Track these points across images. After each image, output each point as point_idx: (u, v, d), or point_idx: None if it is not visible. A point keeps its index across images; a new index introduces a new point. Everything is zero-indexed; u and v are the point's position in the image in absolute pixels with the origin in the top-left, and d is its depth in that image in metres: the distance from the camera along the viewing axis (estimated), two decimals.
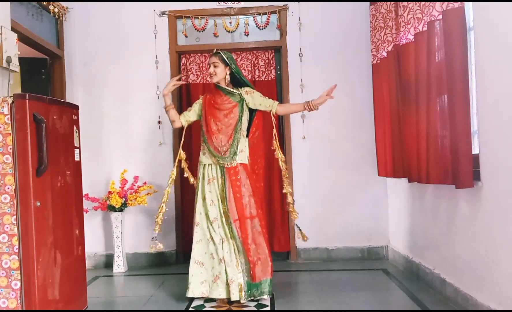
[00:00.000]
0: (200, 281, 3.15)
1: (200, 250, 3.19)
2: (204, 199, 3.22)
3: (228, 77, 3.29)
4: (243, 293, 3.07)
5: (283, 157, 3.29)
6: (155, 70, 4.38)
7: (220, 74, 3.26)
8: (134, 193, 4.15)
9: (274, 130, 3.29)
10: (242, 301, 3.10)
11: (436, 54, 2.82)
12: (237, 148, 3.19)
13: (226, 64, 3.25)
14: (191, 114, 3.39)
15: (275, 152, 3.27)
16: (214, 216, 3.18)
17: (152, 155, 4.38)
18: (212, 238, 3.16)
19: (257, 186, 3.41)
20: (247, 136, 3.32)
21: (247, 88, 3.30)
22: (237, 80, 3.32)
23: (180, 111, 4.45)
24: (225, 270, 3.09)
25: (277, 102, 3.30)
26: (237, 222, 3.14)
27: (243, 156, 3.24)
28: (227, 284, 3.09)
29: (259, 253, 3.16)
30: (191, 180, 3.41)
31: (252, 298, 3.13)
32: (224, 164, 3.17)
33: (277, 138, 3.28)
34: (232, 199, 3.16)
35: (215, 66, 3.25)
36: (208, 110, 3.27)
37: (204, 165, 3.26)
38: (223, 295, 3.10)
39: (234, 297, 3.06)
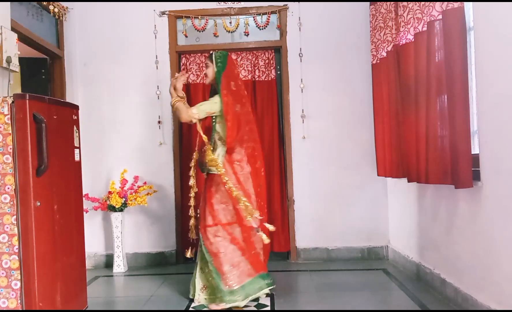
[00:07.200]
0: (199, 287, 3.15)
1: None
2: None
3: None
4: (202, 296, 3.08)
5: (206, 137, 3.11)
6: (155, 70, 4.38)
7: (211, 75, 3.16)
8: (134, 193, 4.15)
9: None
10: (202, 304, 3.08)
11: (436, 54, 2.82)
12: (209, 158, 3.05)
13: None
14: None
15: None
16: None
17: (152, 155, 4.38)
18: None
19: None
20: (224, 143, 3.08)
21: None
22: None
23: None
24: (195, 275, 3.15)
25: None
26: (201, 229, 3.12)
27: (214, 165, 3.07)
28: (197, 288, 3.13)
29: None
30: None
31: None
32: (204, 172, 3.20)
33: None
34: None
35: (206, 67, 3.19)
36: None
37: None
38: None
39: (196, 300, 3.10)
